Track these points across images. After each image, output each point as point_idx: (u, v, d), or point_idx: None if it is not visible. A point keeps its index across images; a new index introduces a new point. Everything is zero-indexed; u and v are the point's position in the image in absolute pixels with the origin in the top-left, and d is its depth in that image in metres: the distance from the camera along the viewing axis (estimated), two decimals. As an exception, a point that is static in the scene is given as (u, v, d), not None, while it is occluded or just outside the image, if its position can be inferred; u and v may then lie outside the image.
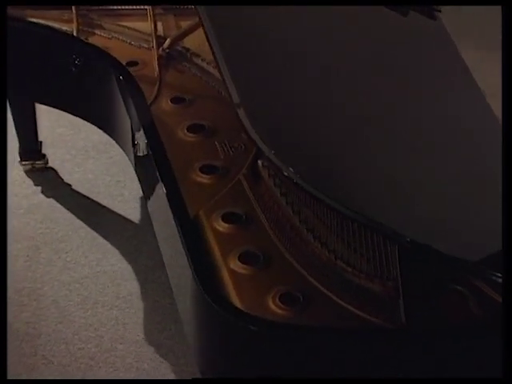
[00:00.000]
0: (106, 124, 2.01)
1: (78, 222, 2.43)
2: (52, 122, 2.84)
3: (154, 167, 1.57)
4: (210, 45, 1.51)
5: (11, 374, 1.87)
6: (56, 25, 2.13)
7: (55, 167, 2.70)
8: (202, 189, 1.59)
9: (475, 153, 1.48)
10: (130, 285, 2.18)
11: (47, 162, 2.68)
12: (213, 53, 1.50)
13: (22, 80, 2.17)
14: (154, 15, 2.07)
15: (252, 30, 1.55)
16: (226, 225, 1.48)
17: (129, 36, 2.11)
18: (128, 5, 2.17)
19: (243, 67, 1.38)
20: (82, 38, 2.09)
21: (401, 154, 1.44)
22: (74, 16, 2.12)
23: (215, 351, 1.33)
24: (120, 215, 2.47)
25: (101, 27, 2.16)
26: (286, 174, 1.34)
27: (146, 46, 2.06)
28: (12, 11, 2.12)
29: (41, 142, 2.63)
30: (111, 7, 2.21)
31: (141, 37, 2.11)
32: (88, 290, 2.16)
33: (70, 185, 2.63)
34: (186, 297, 1.39)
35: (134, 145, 1.75)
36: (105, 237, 2.36)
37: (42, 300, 2.12)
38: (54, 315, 2.08)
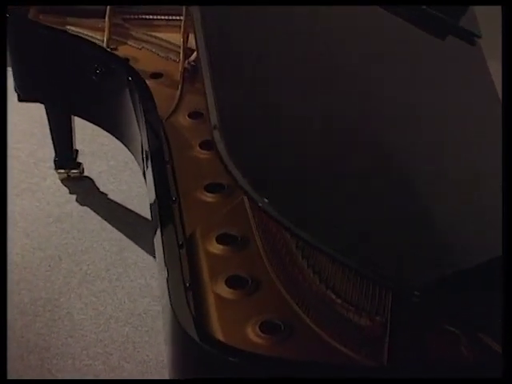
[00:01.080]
0: (121, 135, 2.05)
1: (105, 234, 2.48)
2: (94, 131, 2.90)
3: (153, 183, 1.60)
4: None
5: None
6: (90, 33, 2.20)
7: (92, 177, 2.77)
8: (204, 207, 1.60)
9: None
10: (147, 302, 2.21)
11: (83, 171, 2.75)
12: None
13: (52, 88, 2.24)
14: (185, 27, 2.10)
15: (244, 36, 1.51)
16: (220, 246, 1.49)
17: (159, 47, 2.16)
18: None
19: (228, 83, 1.36)
20: (112, 46, 2.15)
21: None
22: (106, 25, 2.18)
23: (187, 372, 1.34)
24: (149, 229, 2.50)
25: (133, 37, 2.22)
26: (260, 205, 1.24)
27: (174, 57, 2.10)
28: (43, 18, 2.22)
29: (77, 151, 2.70)
30: (146, 17, 2.27)
31: (172, 48, 2.15)
32: (104, 305, 2.20)
33: (103, 195, 2.69)
34: (165, 318, 1.40)
35: (143, 159, 1.79)
36: (129, 251, 2.41)
37: (57, 311, 2.17)
38: (67, 328, 2.12)
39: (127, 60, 2.09)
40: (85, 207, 2.61)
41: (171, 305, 1.30)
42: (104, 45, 2.13)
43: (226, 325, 1.34)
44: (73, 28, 2.22)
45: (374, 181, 1.32)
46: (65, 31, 2.15)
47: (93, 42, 2.08)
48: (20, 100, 2.27)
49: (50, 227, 2.51)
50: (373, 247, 1.28)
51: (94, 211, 2.60)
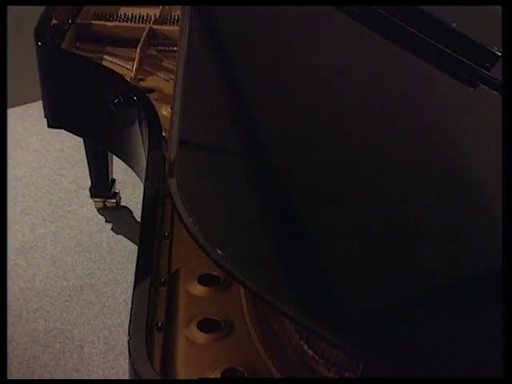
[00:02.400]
0: (132, 164, 2.07)
1: (131, 267, 2.50)
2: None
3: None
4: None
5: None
6: (122, 63, 2.25)
7: (130, 207, 2.81)
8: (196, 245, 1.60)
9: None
10: (160, 340, 2.21)
11: (120, 201, 2.79)
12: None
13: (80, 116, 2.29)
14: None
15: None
16: (201, 287, 1.48)
17: (187, 79, 2.19)
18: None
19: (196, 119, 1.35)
20: (140, 77, 2.19)
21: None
22: (137, 56, 2.22)
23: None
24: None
25: (164, 68, 2.25)
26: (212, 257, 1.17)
27: (198, 90, 2.12)
28: (80, 45, 2.29)
29: (113, 180, 2.74)
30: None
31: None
32: (115, 340, 2.21)
33: (137, 227, 2.71)
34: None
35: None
36: (152, 286, 2.41)
37: (67, 343, 2.20)
38: (74, 361, 2.15)
39: (152, 91, 2.13)
40: (117, 237, 2.65)
41: (128, 347, 1.30)
42: (132, 75, 2.17)
43: (189, 369, 1.32)
44: (107, 57, 2.29)
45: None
46: (82, 56, 2.20)
47: (113, 71, 2.12)
48: (49, 126, 2.33)
49: (77, 256, 2.55)
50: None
51: (125, 242, 2.63)
